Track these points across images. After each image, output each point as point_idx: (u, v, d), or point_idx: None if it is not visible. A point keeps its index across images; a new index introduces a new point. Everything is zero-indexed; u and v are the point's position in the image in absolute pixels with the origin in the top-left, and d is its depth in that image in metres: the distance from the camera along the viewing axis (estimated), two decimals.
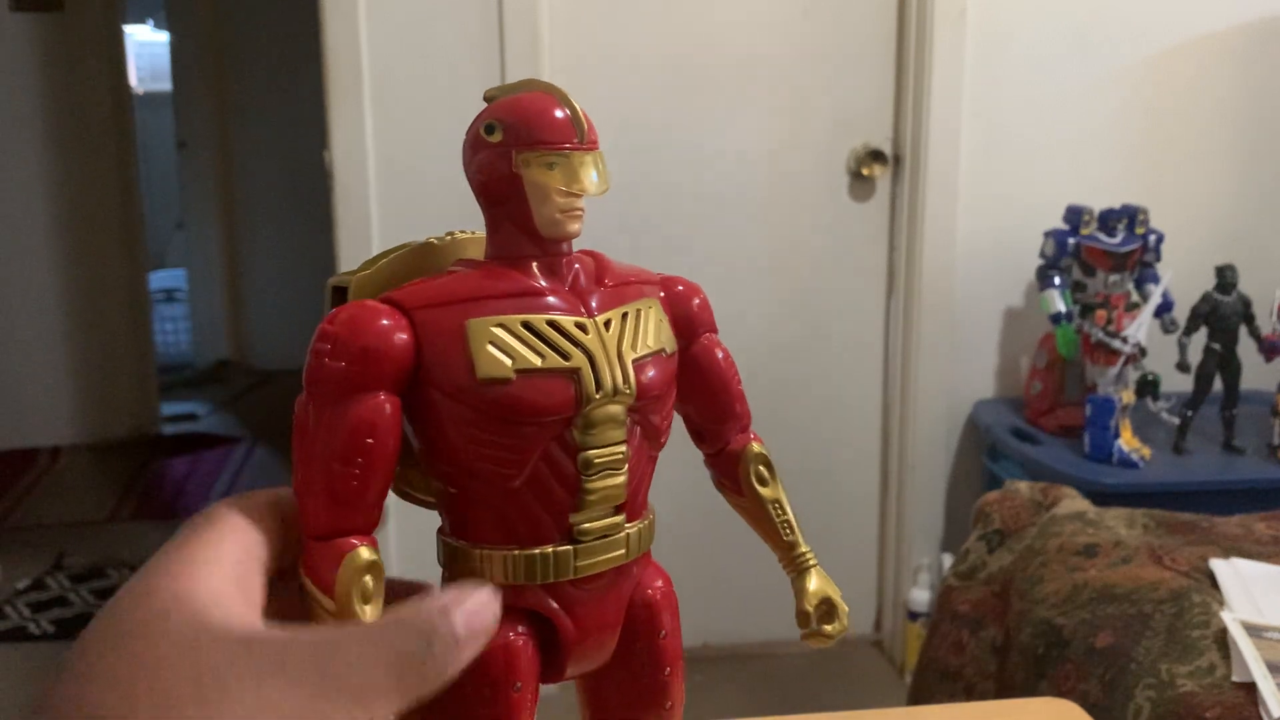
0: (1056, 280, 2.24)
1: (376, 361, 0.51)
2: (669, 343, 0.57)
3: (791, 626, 0.62)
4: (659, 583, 0.60)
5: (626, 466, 0.54)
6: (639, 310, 0.57)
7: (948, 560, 2.43)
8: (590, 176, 0.55)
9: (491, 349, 0.51)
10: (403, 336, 0.52)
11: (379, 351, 0.51)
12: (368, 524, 0.52)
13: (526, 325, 0.52)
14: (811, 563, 0.63)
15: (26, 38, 3.94)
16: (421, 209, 2.33)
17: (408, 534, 2.37)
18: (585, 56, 2.35)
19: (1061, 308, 2.23)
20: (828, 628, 0.62)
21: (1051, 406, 2.32)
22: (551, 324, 0.53)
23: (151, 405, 4.40)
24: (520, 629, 0.54)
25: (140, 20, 6.36)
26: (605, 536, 0.55)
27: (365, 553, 0.50)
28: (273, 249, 5.16)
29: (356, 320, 0.52)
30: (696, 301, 0.61)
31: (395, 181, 2.31)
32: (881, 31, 2.45)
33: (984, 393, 2.54)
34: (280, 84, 4.90)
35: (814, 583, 0.62)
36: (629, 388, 0.54)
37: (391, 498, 0.56)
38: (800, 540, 0.63)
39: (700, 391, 0.62)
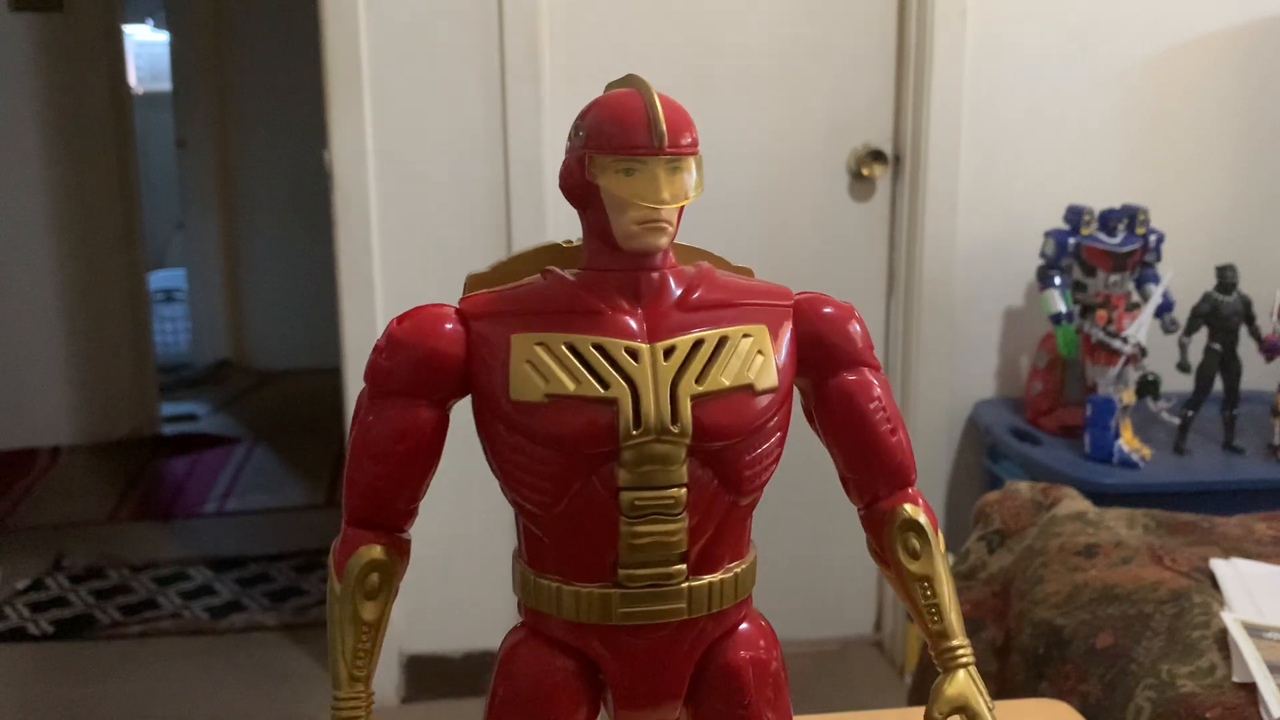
0: (1057, 280, 2.24)
1: (424, 371, 0.50)
2: (765, 378, 0.51)
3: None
4: (760, 645, 0.54)
5: (684, 513, 0.49)
6: (724, 338, 0.49)
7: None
8: (675, 186, 0.49)
9: (528, 369, 0.48)
10: (456, 347, 0.50)
11: (428, 362, 0.50)
12: (394, 522, 0.52)
13: (570, 346, 0.48)
14: (961, 661, 0.55)
15: (26, 38, 3.94)
16: (421, 209, 2.33)
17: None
18: (585, 57, 2.35)
19: (1062, 308, 2.23)
20: None
21: (1052, 406, 2.32)
22: (598, 347, 0.48)
23: (151, 405, 4.40)
24: (565, 664, 0.51)
25: (140, 20, 6.36)
26: (656, 586, 0.49)
27: (377, 551, 0.51)
28: (273, 249, 5.16)
29: (417, 326, 0.50)
30: (850, 328, 0.54)
31: (395, 181, 2.31)
32: (881, 31, 2.45)
33: (984, 393, 2.53)
34: (280, 84, 4.89)
35: (955, 686, 0.55)
36: (679, 427, 0.48)
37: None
38: (952, 630, 0.54)
39: (839, 435, 0.55)
